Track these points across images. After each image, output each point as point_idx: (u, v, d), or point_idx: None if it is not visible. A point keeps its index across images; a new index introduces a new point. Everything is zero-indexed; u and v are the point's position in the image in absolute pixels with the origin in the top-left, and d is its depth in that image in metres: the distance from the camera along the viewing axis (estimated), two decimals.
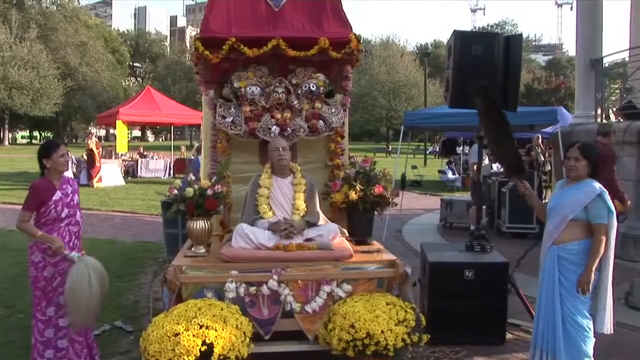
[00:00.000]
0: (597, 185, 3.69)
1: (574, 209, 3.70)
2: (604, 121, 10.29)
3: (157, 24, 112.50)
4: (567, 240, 3.73)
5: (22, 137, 70.15)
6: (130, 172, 22.54)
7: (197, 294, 4.03)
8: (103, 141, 41.09)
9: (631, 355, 4.65)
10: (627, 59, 11.04)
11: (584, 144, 3.93)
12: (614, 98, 11.33)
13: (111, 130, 47.54)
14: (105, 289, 3.96)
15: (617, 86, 11.36)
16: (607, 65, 10.53)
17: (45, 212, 3.99)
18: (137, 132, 69.33)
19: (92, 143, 17.72)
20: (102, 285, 3.91)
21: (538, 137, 11.85)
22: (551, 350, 3.75)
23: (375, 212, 5.12)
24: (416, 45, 78.38)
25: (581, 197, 3.68)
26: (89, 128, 49.32)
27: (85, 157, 19.20)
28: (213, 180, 4.77)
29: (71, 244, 4.10)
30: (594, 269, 3.65)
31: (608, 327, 3.76)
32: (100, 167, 18.50)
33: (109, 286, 4.26)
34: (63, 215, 4.05)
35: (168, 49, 79.66)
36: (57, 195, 4.02)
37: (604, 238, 3.64)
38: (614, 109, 11.06)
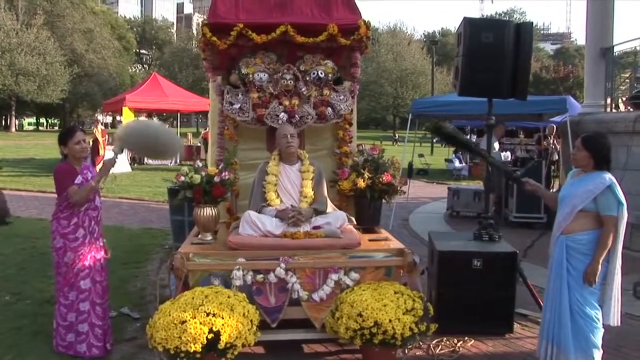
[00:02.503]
0: (608, 176, 3.64)
1: (583, 199, 3.65)
2: (614, 111, 10.19)
3: (164, 11, 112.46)
4: (577, 230, 3.70)
5: (29, 124, 70.37)
6: (136, 159, 22.46)
7: (204, 282, 4.03)
8: (110, 128, 40.93)
9: None
10: (638, 47, 10.90)
11: (589, 135, 3.87)
12: (623, 87, 11.19)
13: (118, 117, 47.50)
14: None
15: (627, 75, 11.22)
16: (617, 54, 10.40)
17: (66, 196, 4.06)
18: (143, 119, 69.30)
19: (98, 132, 17.65)
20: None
21: (553, 127, 11.74)
22: (559, 340, 3.73)
23: (383, 200, 5.09)
24: (423, 33, 78.20)
25: (590, 188, 3.63)
26: (96, 115, 49.26)
27: (90, 144, 19.09)
28: (220, 167, 4.75)
29: (90, 228, 4.16)
30: (601, 260, 3.61)
31: (614, 319, 3.73)
32: (103, 156, 18.45)
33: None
34: None
35: (175, 35, 79.57)
36: (79, 179, 4.08)
37: (612, 230, 3.60)
38: (624, 99, 10.92)
